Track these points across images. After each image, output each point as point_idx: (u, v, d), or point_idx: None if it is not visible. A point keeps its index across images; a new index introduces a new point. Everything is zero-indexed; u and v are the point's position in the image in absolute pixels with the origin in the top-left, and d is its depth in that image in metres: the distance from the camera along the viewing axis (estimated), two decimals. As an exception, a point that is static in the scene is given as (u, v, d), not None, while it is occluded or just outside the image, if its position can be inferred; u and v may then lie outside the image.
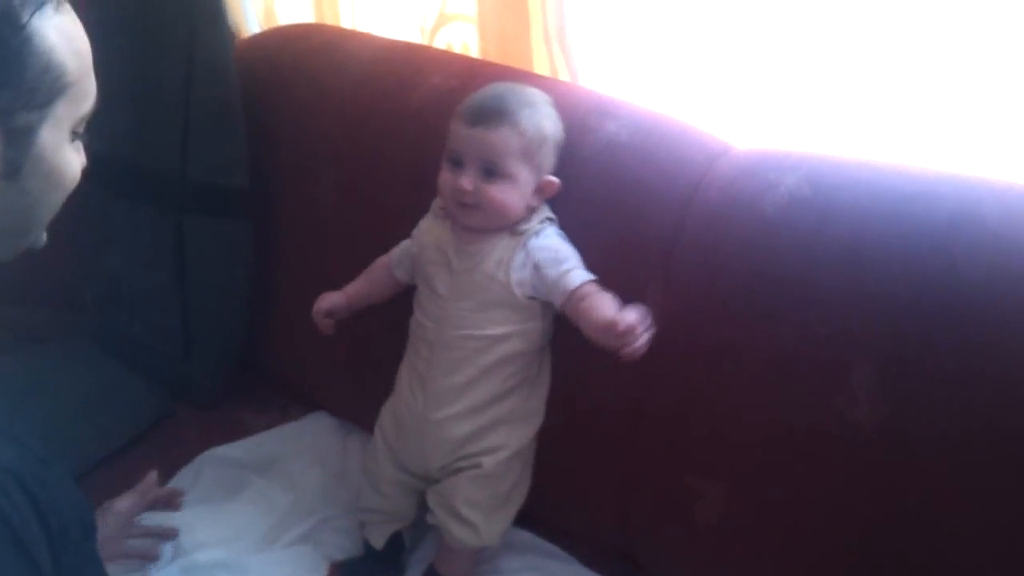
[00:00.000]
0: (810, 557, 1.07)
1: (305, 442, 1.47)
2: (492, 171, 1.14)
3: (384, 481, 1.26)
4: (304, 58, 1.50)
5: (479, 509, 1.20)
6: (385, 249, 1.34)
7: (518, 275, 1.15)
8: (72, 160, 0.81)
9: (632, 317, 1.08)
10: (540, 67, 1.50)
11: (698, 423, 1.13)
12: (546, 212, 1.19)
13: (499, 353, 1.17)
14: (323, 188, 1.44)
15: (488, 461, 1.19)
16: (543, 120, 1.17)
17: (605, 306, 1.11)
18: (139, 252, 1.63)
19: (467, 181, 1.14)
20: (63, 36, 0.76)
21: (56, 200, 0.82)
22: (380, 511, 1.27)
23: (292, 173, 1.48)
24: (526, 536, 1.29)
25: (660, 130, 1.22)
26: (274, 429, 1.50)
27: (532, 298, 1.16)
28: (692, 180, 1.16)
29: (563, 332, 1.20)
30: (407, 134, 1.35)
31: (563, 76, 1.48)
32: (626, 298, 1.13)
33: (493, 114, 1.14)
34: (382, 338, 1.34)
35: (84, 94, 0.80)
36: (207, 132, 1.48)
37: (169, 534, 1.27)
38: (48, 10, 0.75)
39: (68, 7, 0.79)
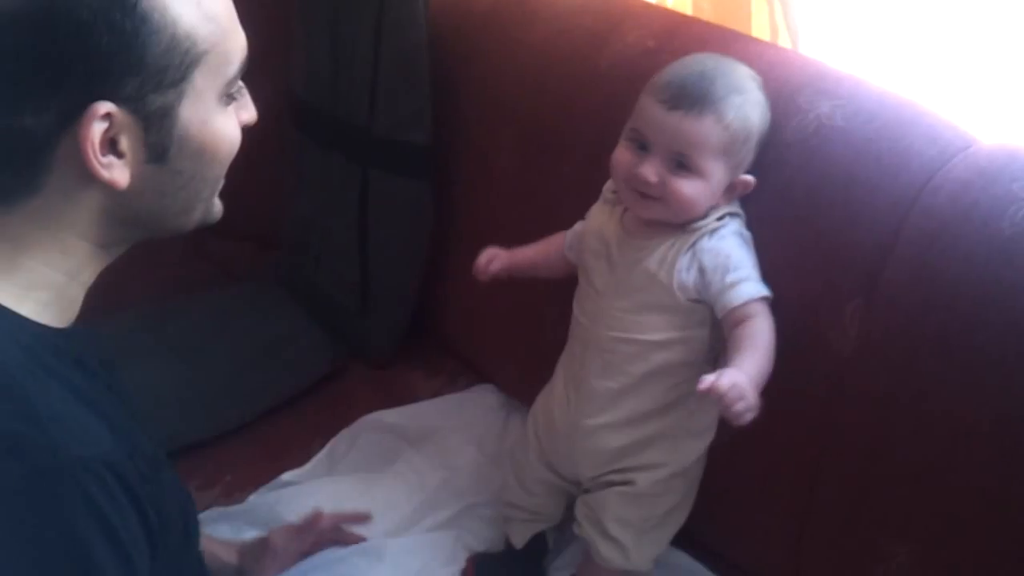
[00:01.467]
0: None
1: (466, 416, 1.40)
2: (683, 164, 0.97)
3: (531, 479, 1.16)
4: (496, 9, 1.39)
5: (630, 529, 1.08)
6: (562, 222, 1.22)
7: (681, 277, 1.00)
8: (226, 129, 0.75)
9: (721, 381, 0.87)
10: (759, 28, 1.30)
11: (893, 473, 0.95)
12: (728, 206, 1.02)
13: (658, 361, 1.03)
14: (503, 151, 1.34)
15: (643, 479, 1.07)
16: (752, 111, 0.98)
17: (734, 348, 0.94)
18: (328, 200, 1.61)
19: (651, 171, 0.98)
20: (186, 1, 0.69)
21: (216, 173, 0.77)
22: (524, 508, 1.18)
23: (474, 133, 1.39)
24: (683, 559, 1.16)
25: (885, 114, 1.01)
26: (437, 399, 1.45)
27: (697, 301, 1.01)
28: (918, 181, 0.95)
29: None
30: (593, 101, 1.21)
31: (784, 41, 1.28)
32: (820, 320, 0.96)
33: (697, 99, 0.96)
34: (556, 322, 1.23)
35: (226, 57, 0.73)
36: (393, 86, 1.41)
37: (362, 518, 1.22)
38: None
39: None
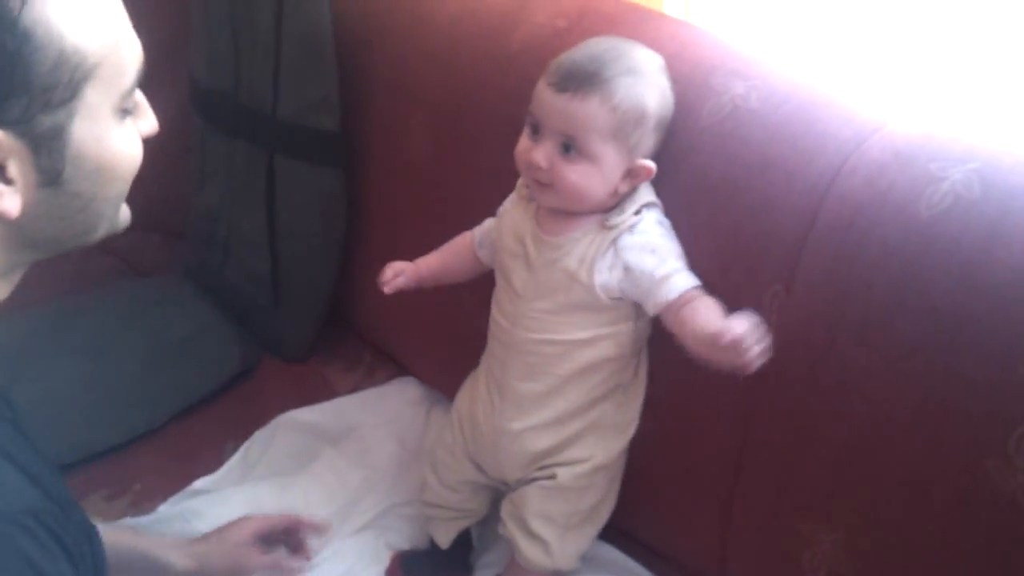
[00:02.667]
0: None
1: (386, 411, 1.36)
2: (572, 147, 0.94)
3: (455, 479, 1.13)
4: (402, -13, 1.34)
5: (553, 526, 1.06)
6: (477, 206, 1.19)
7: (603, 277, 0.97)
8: (125, 144, 0.70)
9: (740, 328, 0.84)
10: (672, 6, 1.27)
11: (816, 460, 0.94)
12: (644, 197, 0.99)
13: (584, 359, 1.00)
14: (415, 136, 1.29)
15: (564, 473, 1.04)
16: (647, 92, 0.95)
17: (709, 315, 0.91)
18: (234, 189, 1.54)
19: (541, 156, 0.95)
20: (70, 12, 0.63)
21: (118, 190, 0.72)
22: (448, 507, 1.15)
23: (385, 118, 1.34)
24: (612, 552, 1.14)
25: (800, 95, 0.99)
26: (356, 394, 1.41)
27: (620, 299, 0.98)
28: (833, 163, 0.93)
29: (663, 331, 1.02)
30: (505, 81, 1.17)
31: (696, 20, 1.25)
32: (738, 305, 0.94)
33: (583, 80, 0.93)
34: (476, 309, 1.19)
35: (120, 68, 0.67)
36: (297, 69, 1.35)
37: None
38: None
39: None
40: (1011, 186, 0.83)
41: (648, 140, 0.97)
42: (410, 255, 1.35)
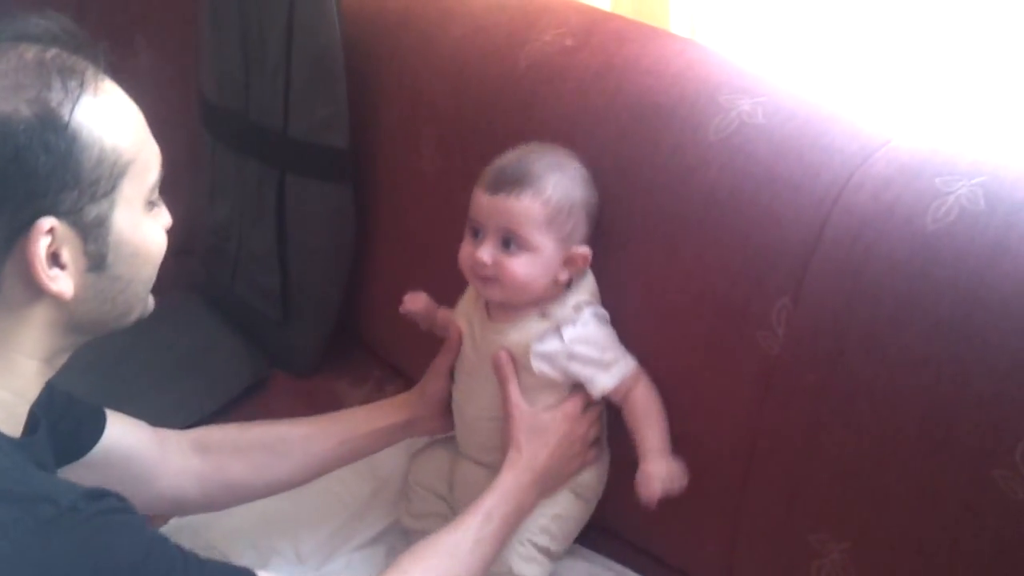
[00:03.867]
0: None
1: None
2: (512, 242, 1.02)
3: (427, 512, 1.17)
4: (411, 6, 1.35)
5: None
6: None
7: (541, 364, 1.04)
8: (154, 232, 0.80)
9: (656, 487, 0.99)
10: (678, 24, 1.29)
11: (824, 471, 0.94)
12: (582, 295, 1.05)
13: None
14: (424, 153, 1.31)
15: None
16: (572, 185, 1.03)
17: (644, 423, 1.03)
18: (244, 206, 1.56)
19: (486, 253, 1.02)
20: (108, 117, 0.74)
21: (149, 274, 0.81)
22: (436, 514, 1.16)
23: (394, 135, 1.36)
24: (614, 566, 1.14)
25: (806, 111, 1.00)
26: (365, 407, 1.41)
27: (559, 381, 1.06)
28: (839, 177, 0.94)
29: (671, 330, 1.05)
30: (513, 99, 1.19)
31: (702, 37, 1.27)
32: (748, 319, 0.95)
33: (515, 180, 1.01)
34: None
35: (147, 164, 0.78)
36: (307, 87, 1.37)
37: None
38: (87, 97, 0.72)
39: (106, 80, 0.75)
40: (1016, 200, 0.84)
41: (581, 227, 1.04)
42: (419, 270, 1.37)
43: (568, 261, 1.03)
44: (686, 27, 1.28)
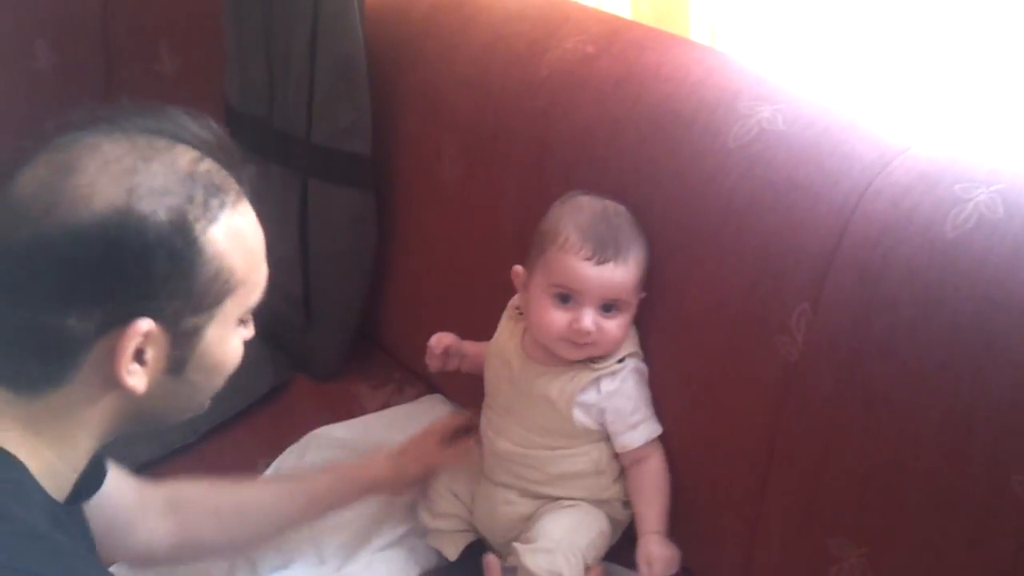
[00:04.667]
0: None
1: (414, 428, 1.36)
2: (612, 307, 1.04)
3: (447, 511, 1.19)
4: (433, 15, 1.37)
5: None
6: (505, 231, 1.23)
7: (579, 414, 1.06)
8: (237, 347, 0.80)
9: (657, 567, 1.03)
10: (698, 31, 1.30)
11: (843, 476, 0.95)
12: (630, 343, 1.08)
13: (561, 470, 1.09)
14: (446, 160, 1.32)
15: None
16: (643, 241, 1.06)
17: (647, 498, 1.08)
18: (267, 213, 1.57)
19: (590, 322, 1.02)
20: (235, 238, 0.74)
21: (218, 384, 0.81)
22: (457, 516, 1.18)
23: (416, 142, 1.37)
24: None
25: (826, 118, 1.01)
26: (385, 411, 1.43)
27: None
28: (859, 185, 0.95)
29: (690, 336, 1.05)
30: (534, 107, 1.20)
31: (722, 45, 1.28)
32: (768, 326, 0.96)
33: (617, 247, 1.02)
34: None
35: (253, 287, 0.78)
36: (331, 94, 1.38)
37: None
38: (223, 218, 0.73)
39: (244, 202, 0.76)
40: (1037, 207, 0.85)
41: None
42: (439, 277, 1.38)
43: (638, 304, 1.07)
44: (706, 34, 1.29)
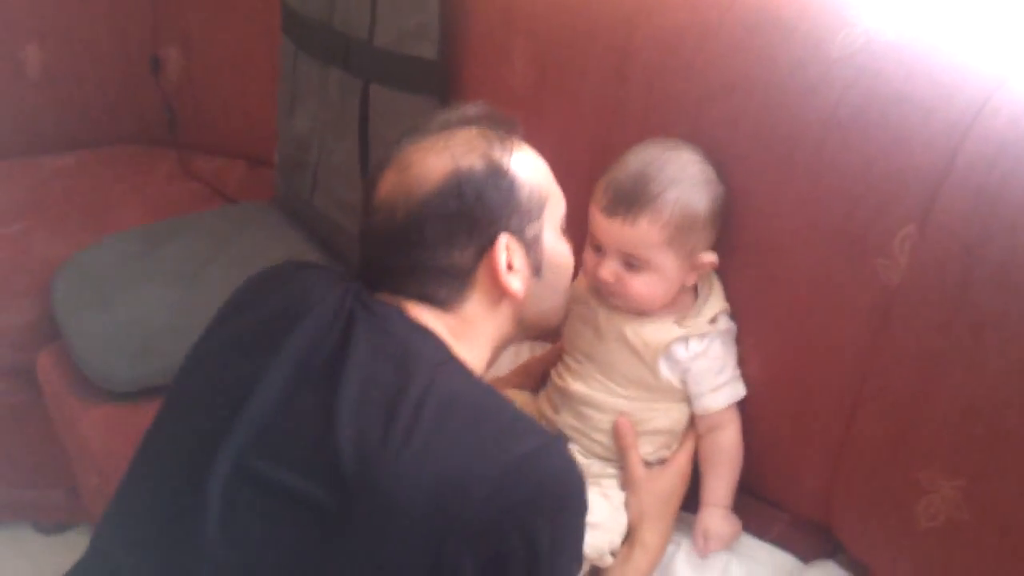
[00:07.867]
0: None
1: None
2: (633, 263, 1.00)
3: None
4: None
5: None
6: (579, 140, 1.19)
7: (665, 369, 1.03)
8: (567, 249, 1.00)
9: (712, 543, 1.03)
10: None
11: (942, 408, 0.91)
12: (717, 305, 1.04)
13: (639, 428, 1.06)
14: (516, 66, 1.27)
15: None
16: (694, 197, 0.99)
17: (720, 484, 1.05)
18: (326, 117, 1.53)
19: (608, 272, 1.01)
20: (531, 166, 0.96)
21: (566, 283, 1.01)
22: None
23: (485, 46, 1.31)
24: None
25: (940, 30, 0.94)
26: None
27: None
28: (975, 101, 0.89)
29: (779, 258, 1.01)
30: (614, 11, 1.14)
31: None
32: (867, 248, 0.91)
33: (631, 202, 0.98)
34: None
35: (558, 199, 0.99)
36: (396, -6, 1.33)
37: None
38: (517, 152, 0.95)
39: (523, 143, 0.99)
40: None
41: (705, 237, 1.01)
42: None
43: (696, 268, 1.02)
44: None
